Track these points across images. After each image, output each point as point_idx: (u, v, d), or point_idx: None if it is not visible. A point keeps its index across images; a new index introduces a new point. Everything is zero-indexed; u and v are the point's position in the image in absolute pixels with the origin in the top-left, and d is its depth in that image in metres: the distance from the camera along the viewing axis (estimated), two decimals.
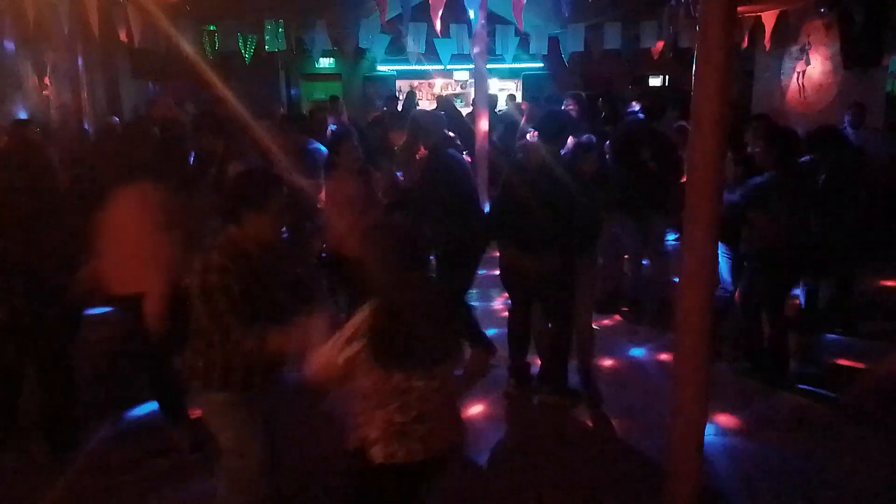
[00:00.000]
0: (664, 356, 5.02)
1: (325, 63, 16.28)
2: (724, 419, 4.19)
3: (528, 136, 4.84)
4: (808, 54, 9.87)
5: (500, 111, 11.20)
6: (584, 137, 4.41)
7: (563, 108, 6.10)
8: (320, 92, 15.80)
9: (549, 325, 4.39)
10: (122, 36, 8.08)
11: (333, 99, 9.62)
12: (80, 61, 9.45)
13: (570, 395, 4.44)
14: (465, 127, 8.10)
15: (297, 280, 2.90)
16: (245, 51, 9.02)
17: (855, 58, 8.47)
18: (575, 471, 3.71)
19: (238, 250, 2.58)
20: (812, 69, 9.77)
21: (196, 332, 2.66)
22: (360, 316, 2.29)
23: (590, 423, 4.22)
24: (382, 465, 2.29)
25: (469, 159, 6.39)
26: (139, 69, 11.89)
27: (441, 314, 2.41)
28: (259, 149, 5.37)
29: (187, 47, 8.71)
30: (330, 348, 2.29)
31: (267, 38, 8.66)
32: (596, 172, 4.37)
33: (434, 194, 4.59)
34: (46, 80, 8.84)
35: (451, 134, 5.04)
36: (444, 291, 2.57)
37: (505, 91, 15.11)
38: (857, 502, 3.44)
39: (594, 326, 4.77)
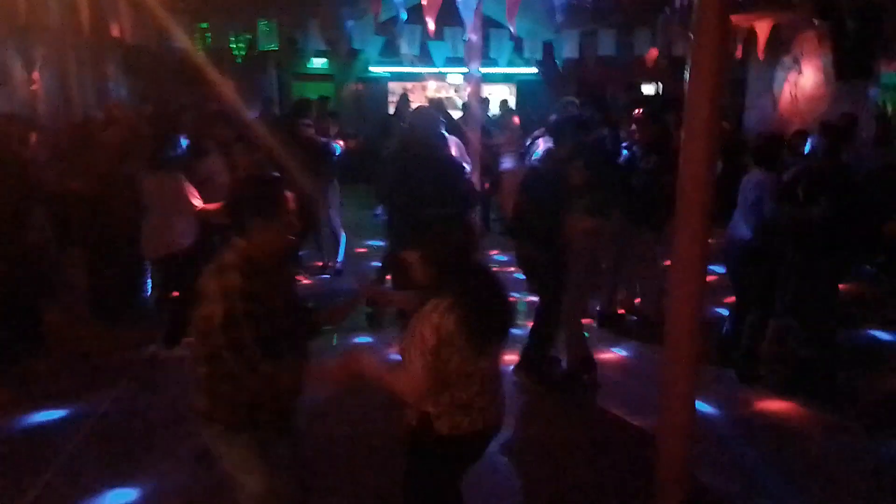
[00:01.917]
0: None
1: (318, 64, 16.20)
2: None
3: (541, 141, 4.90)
4: (800, 65, 9.91)
5: (493, 115, 11.19)
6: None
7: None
8: (312, 92, 15.72)
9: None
10: (114, 31, 7.99)
11: (323, 100, 9.46)
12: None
13: (545, 381, 4.63)
14: (456, 129, 8.09)
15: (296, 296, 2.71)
16: (237, 49, 8.95)
17: (846, 70, 8.50)
18: (567, 468, 3.71)
19: (253, 267, 2.34)
20: (804, 80, 9.81)
21: (213, 369, 2.39)
22: (431, 312, 2.29)
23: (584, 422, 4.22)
24: (445, 436, 2.40)
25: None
26: (130, 66, 11.77)
27: (502, 295, 2.48)
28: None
29: (179, 44, 8.64)
30: (413, 360, 2.30)
31: (259, 36, 8.61)
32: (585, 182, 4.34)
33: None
34: (35, 75, 8.72)
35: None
36: (497, 275, 2.57)
37: (498, 97, 15.07)
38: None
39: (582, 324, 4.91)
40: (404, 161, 4.79)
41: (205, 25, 8.93)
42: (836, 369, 4.73)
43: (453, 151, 6.36)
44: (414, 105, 11.01)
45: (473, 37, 7.91)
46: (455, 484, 2.64)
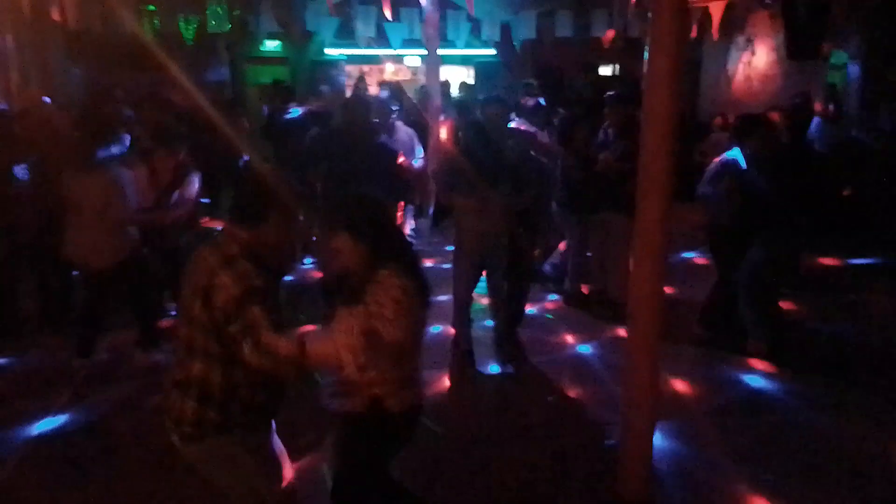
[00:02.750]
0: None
1: (272, 46, 15.87)
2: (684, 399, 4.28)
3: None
4: (753, 45, 10.06)
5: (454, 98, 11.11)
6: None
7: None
8: (266, 76, 15.41)
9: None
10: (55, 15, 7.68)
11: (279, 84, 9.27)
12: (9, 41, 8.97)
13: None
14: (414, 113, 8.02)
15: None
16: (186, 32, 8.70)
17: (798, 49, 8.64)
18: (526, 453, 3.69)
19: (256, 258, 2.27)
20: (757, 59, 9.96)
21: (200, 374, 2.27)
22: (391, 288, 2.29)
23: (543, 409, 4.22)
24: (397, 414, 2.45)
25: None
26: (74, 51, 11.36)
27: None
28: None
29: (126, 28, 8.35)
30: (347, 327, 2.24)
31: (210, 18, 8.36)
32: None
33: None
34: None
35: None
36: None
37: (457, 79, 14.98)
38: (818, 481, 3.48)
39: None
40: (334, 148, 4.95)
41: (152, 8, 8.66)
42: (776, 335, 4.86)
43: (404, 139, 6.31)
44: (369, 88, 10.91)
45: (430, 17, 7.82)
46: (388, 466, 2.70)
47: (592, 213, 5.63)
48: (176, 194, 4.76)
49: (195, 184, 4.92)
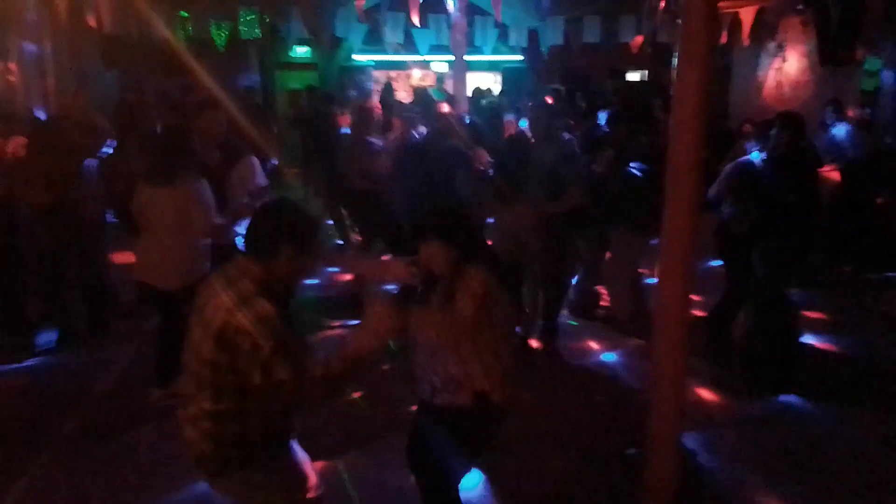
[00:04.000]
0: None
1: (301, 52, 16.06)
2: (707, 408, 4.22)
3: None
4: (784, 51, 9.94)
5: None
6: None
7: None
8: (295, 81, 15.59)
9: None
10: (91, 21, 7.85)
11: (311, 89, 9.34)
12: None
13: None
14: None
15: None
16: (218, 38, 8.83)
17: (830, 56, 8.53)
18: (548, 460, 3.67)
19: (272, 294, 2.14)
20: (788, 65, 9.83)
21: (226, 408, 2.16)
22: (472, 282, 2.42)
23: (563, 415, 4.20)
24: (498, 407, 2.52)
25: None
26: (109, 57, 11.60)
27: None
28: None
29: (159, 34, 8.51)
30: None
31: (241, 25, 8.50)
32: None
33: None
34: (12, 66, 8.56)
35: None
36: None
37: (482, 85, 14.98)
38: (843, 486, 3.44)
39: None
40: (428, 159, 4.83)
41: (185, 14, 8.81)
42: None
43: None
44: (401, 95, 10.94)
45: (458, 23, 7.86)
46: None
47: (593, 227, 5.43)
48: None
49: (255, 167, 4.44)
